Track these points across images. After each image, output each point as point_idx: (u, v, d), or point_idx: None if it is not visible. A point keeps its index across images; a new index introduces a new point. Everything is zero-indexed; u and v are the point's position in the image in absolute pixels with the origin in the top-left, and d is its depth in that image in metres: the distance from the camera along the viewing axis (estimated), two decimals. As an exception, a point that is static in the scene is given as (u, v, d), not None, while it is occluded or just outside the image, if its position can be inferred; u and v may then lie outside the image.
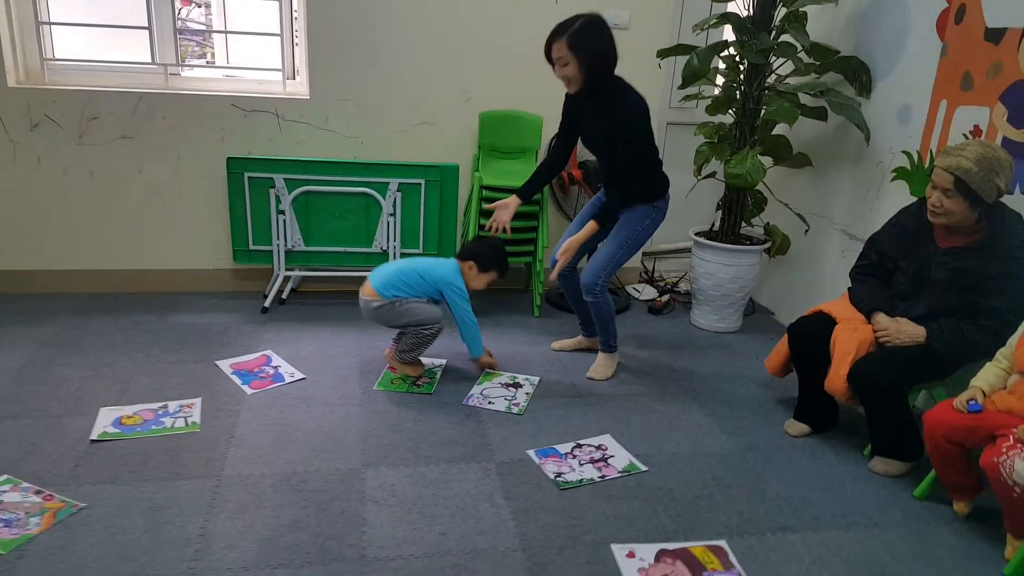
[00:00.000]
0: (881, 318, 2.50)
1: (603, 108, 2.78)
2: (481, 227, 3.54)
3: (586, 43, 2.67)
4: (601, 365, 3.12)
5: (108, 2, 3.54)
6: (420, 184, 3.60)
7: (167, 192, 3.63)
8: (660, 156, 2.95)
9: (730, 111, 3.54)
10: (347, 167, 3.53)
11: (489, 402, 2.83)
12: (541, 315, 3.73)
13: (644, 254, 4.37)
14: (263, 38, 3.65)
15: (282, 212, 3.53)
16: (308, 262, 3.68)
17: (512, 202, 3.03)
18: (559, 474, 2.40)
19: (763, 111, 3.34)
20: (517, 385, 2.98)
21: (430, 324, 2.88)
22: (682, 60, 3.39)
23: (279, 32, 3.60)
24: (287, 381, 2.93)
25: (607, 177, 2.97)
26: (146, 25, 3.48)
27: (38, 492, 2.21)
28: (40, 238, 3.61)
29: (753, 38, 3.26)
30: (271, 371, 3.00)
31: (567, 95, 2.93)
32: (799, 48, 3.22)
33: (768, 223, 3.68)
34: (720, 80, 3.55)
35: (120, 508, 2.15)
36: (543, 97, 3.74)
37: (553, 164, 3.11)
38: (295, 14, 3.62)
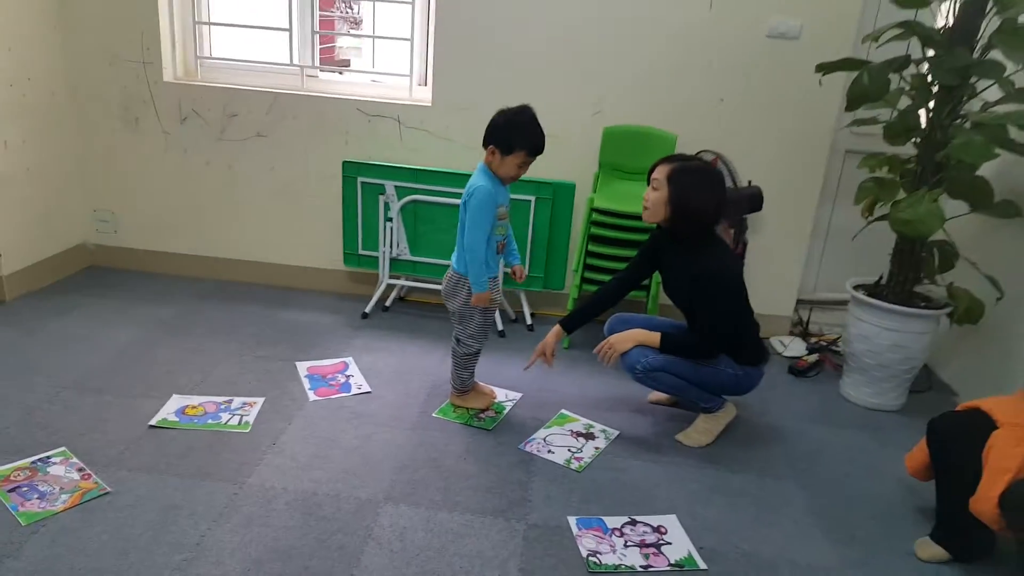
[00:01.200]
0: None
1: (687, 257, 2.49)
2: (589, 253, 3.25)
3: (688, 188, 2.40)
4: (697, 429, 2.69)
5: (258, 4, 3.67)
6: (529, 201, 3.37)
7: (294, 190, 3.71)
8: (754, 324, 2.64)
9: (912, 141, 2.94)
10: (456, 178, 3.40)
11: (549, 451, 2.54)
12: (650, 358, 3.34)
13: (800, 301, 3.81)
14: (405, 43, 3.57)
15: (390, 219, 3.47)
16: (413, 272, 3.59)
17: (553, 335, 2.69)
18: (594, 552, 2.06)
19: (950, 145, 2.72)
20: (590, 436, 2.66)
21: (466, 340, 2.63)
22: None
23: (410, 37, 3.53)
24: (351, 393, 2.83)
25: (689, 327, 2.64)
26: (287, 27, 3.57)
27: (80, 470, 2.26)
28: (183, 224, 3.83)
29: (946, 54, 2.67)
30: (342, 380, 2.92)
31: (656, 229, 2.63)
32: (1014, 68, 2.58)
33: (952, 283, 3.02)
34: (906, 102, 2.94)
35: (140, 500, 2.14)
36: (679, 114, 3.40)
37: (608, 296, 2.74)
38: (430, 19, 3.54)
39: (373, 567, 1.95)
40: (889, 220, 2.82)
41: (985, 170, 2.80)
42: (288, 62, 3.65)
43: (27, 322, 3.21)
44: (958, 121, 2.76)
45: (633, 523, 2.20)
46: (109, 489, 2.18)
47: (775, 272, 3.65)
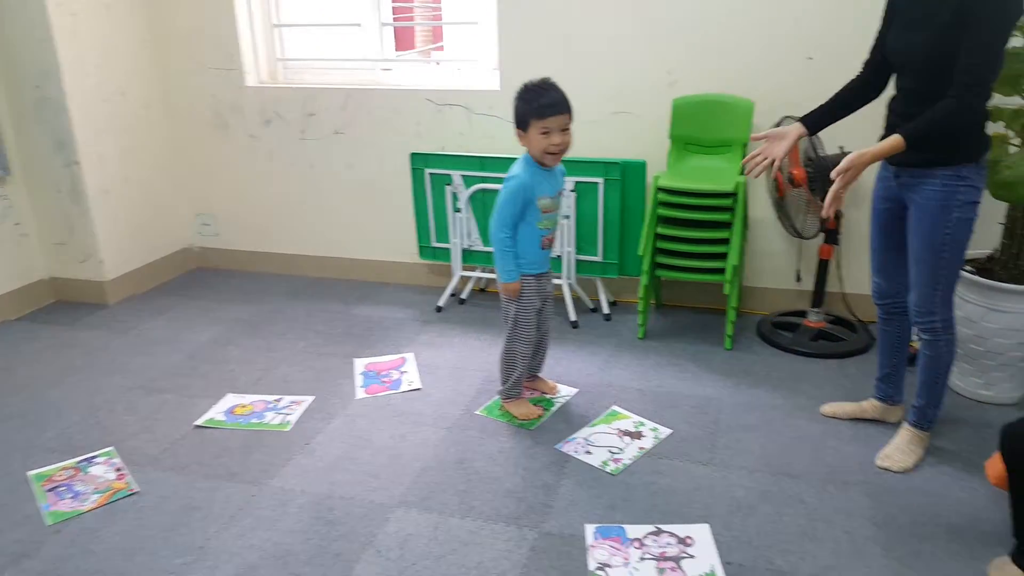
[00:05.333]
0: None
1: None
2: (658, 236, 2.95)
3: None
4: (901, 448, 2.22)
5: (334, 1, 3.68)
6: (597, 183, 3.12)
7: (372, 185, 3.70)
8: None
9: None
10: (521, 163, 3.22)
11: (587, 451, 2.31)
12: (734, 348, 2.99)
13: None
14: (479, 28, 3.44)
15: (459, 209, 3.35)
16: (487, 263, 3.46)
17: (792, 131, 2.15)
18: (603, 566, 1.83)
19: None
20: (637, 435, 2.39)
21: (506, 338, 2.45)
22: None
23: (476, 20, 3.39)
24: (400, 390, 2.75)
25: (917, 102, 1.95)
26: (358, 22, 3.55)
27: (119, 470, 2.33)
28: (275, 224, 3.95)
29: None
30: (396, 376, 2.85)
31: None
32: None
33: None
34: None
35: (162, 501, 2.17)
36: (760, 77, 3.02)
37: (861, 86, 2.17)
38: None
39: (364, 577, 1.84)
40: (988, 183, 2.30)
41: None
42: (362, 57, 3.63)
43: (122, 324, 3.42)
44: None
45: (658, 532, 1.94)
46: (137, 489, 2.23)
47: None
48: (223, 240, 4.09)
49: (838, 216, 2.88)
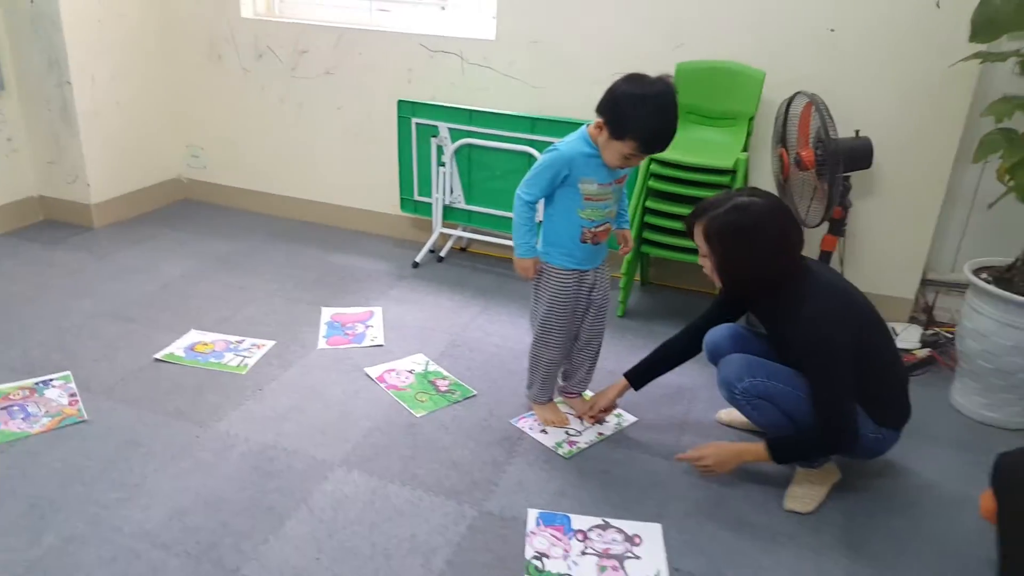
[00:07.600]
0: None
1: (776, 309, 1.95)
2: (647, 210, 2.85)
3: (725, 243, 1.82)
4: (800, 486, 2.01)
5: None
6: (589, 150, 3.01)
7: (361, 130, 3.59)
8: (901, 374, 2.01)
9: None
10: (512, 121, 3.11)
11: (543, 430, 2.25)
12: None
13: (925, 282, 3.15)
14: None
15: (443, 163, 3.25)
16: (469, 221, 3.37)
17: (615, 389, 2.22)
18: (541, 555, 1.78)
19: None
20: (600, 419, 2.33)
21: (535, 334, 2.18)
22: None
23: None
24: (363, 344, 2.69)
25: None
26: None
27: (72, 395, 2.30)
28: (263, 162, 3.85)
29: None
30: (360, 330, 2.78)
31: None
32: None
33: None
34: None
35: (108, 432, 2.14)
36: (775, 47, 2.87)
37: (685, 346, 2.19)
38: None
39: (292, 535, 1.80)
40: (1015, 186, 2.18)
41: None
42: (360, -6, 3.50)
43: (102, 249, 3.37)
44: None
45: (605, 527, 1.88)
46: (86, 418, 2.19)
47: (894, 245, 3.03)
48: (211, 174, 4.00)
49: (845, 206, 2.75)
